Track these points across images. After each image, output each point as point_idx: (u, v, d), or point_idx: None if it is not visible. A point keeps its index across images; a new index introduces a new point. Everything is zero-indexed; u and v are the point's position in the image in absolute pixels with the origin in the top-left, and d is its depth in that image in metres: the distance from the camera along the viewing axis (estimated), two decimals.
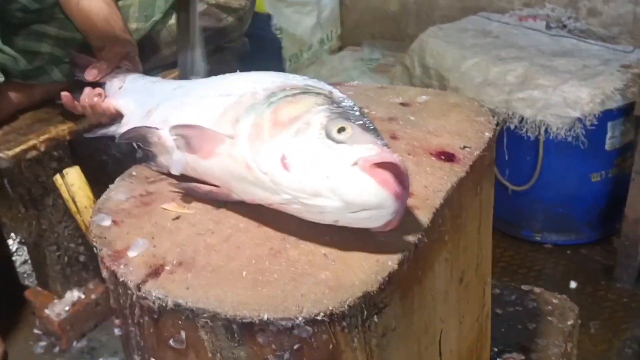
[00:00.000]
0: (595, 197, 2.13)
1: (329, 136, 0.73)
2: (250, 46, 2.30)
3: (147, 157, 0.95)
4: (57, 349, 1.61)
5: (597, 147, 2.02)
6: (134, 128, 0.96)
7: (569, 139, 1.98)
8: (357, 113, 0.77)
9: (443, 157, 0.88)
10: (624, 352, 1.75)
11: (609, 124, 2.01)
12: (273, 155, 0.73)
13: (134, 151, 0.97)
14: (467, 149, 0.90)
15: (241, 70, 0.94)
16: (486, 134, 0.93)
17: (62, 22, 1.45)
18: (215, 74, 0.98)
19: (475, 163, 0.87)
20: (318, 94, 0.80)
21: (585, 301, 1.84)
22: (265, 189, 0.75)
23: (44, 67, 1.45)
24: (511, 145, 2.09)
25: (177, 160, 0.87)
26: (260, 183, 0.75)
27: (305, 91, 0.80)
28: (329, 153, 0.71)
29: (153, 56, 1.28)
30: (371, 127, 0.75)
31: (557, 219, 2.16)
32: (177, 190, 0.88)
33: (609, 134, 2.03)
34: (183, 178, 0.89)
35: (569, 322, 1.24)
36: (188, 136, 0.83)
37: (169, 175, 0.92)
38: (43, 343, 1.65)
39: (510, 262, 2.12)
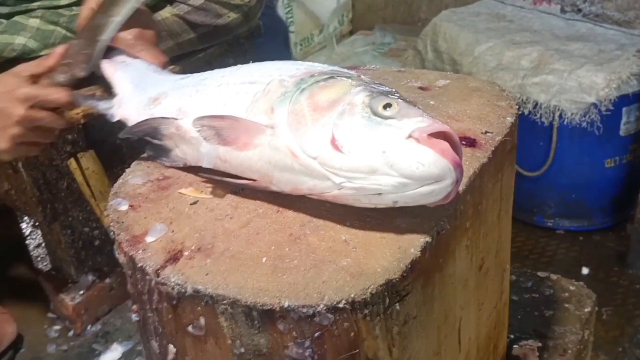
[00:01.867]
0: (609, 183, 2.11)
1: (375, 113, 0.71)
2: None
3: (159, 153, 0.92)
4: (71, 333, 1.62)
5: (611, 132, 2.01)
6: (146, 120, 0.91)
7: (584, 124, 1.96)
8: (393, 91, 0.76)
9: (464, 142, 0.86)
10: (636, 338, 1.74)
11: (624, 109, 1.99)
12: (321, 138, 0.71)
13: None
14: (488, 134, 0.88)
15: (247, 58, 0.92)
16: (508, 118, 0.91)
17: (44, 13, 1.43)
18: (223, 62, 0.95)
19: (497, 148, 0.86)
20: (347, 77, 0.78)
21: (597, 287, 1.81)
22: (314, 176, 0.73)
23: (17, 59, 1.42)
24: (524, 131, 2.05)
25: (207, 152, 0.83)
26: (309, 170, 0.73)
27: (333, 75, 0.78)
28: (381, 129, 0.70)
29: None
30: (413, 102, 0.74)
31: (570, 204, 2.15)
32: (208, 184, 0.85)
33: (623, 120, 2.01)
34: (203, 171, 0.86)
35: (586, 309, 1.23)
36: (220, 127, 0.79)
37: (185, 169, 0.89)
38: (57, 327, 1.65)
39: (522, 248, 2.11)
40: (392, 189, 0.69)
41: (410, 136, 0.69)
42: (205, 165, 0.85)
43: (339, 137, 0.70)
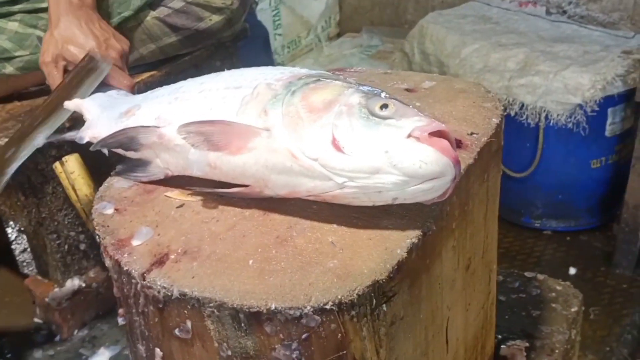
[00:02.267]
0: (595, 184, 2.12)
1: (373, 114, 0.71)
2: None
3: (133, 168, 0.89)
4: (57, 338, 1.60)
5: (597, 133, 2.02)
6: (123, 130, 0.88)
7: (569, 125, 1.98)
8: (385, 92, 0.76)
9: None
10: (624, 337, 1.75)
11: (610, 110, 2.00)
12: (321, 139, 0.71)
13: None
14: (474, 135, 0.89)
15: (233, 61, 0.90)
16: (493, 120, 0.92)
17: (24, 17, 1.42)
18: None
19: (482, 150, 0.86)
20: (335, 79, 0.78)
21: (584, 287, 1.82)
22: (315, 177, 0.72)
23: None
24: (511, 132, 2.07)
25: (196, 160, 0.81)
26: (310, 171, 0.72)
27: (320, 78, 0.78)
28: (381, 129, 0.70)
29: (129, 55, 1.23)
30: (406, 102, 0.75)
31: (557, 205, 2.16)
32: (201, 197, 0.83)
33: (609, 120, 2.02)
34: (189, 182, 0.85)
35: (573, 309, 1.24)
36: (209, 132, 0.77)
37: (167, 180, 0.87)
38: (44, 332, 1.64)
39: (509, 249, 2.12)
40: (393, 187, 0.70)
41: (410, 135, 0.69)
42: (194, 173, 0.83)
43: (340, 138, 0.71)
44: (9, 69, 1.41)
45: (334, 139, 0.71)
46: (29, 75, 1.46)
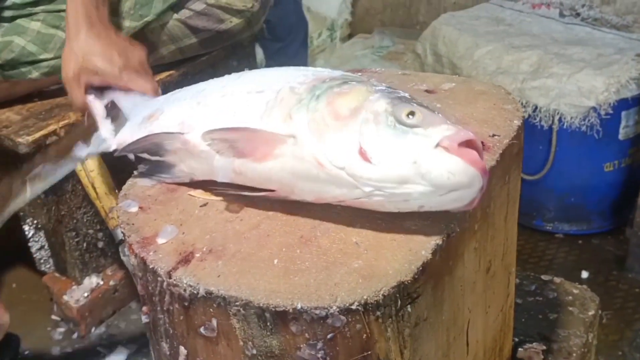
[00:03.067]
0: (608, 187, 2.12)
1: (399, 122, 0.71)
2: (277, 31, 2.20)
3: (157, 170, 0.88)
4: (75, 335, 1.62)
5: (610, 136, 2.01)
6: (147, 137, 0.88)
7: (583, 128, 1.97)
8: (410, 97, 0.76)
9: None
10: (636, 342, 1.75)
11: (623, 113, 1.99)
12: (347, 148, 0.71)
13: None
14: (496, 137, 0.89)
15: (250, 61, 0.89)
16: (515, 122, 0.92)
17: (46, 17, 1.42)
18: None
19: (504, 152, 0.87)
20: (359, 82, 0.78)
21: (596, 291, 1.82)
22: (342, 186, 0.72)
23: (19, 63, 1.41)
24: (524, 134, 2.08)
25: (221, 166, 0.80)
26: (336, 180, 0.72)
27: (346, 81, 0.78)
28: (409, 138, 0.70)
29: (149, 56, 1.23)
30: (432, 108, 0.74)
31: (569, 208, 2.15)
32: (224, 196, 0.83)
33: (622, 124, 2.01)
34: (214, 185, 0.84)
35: (590, 313, 1.24)
36: (234, 139, 0.77)
37: (191, 184, 0.87)
38: (61, 329, 1.65)
39: (521, 252, 2.11)
40: (420, 197, 0.70)
41: (438, 145, 0.69)
42: (219, 179, 0.82)
43: (367, 147, 0.70)
44: (34, 74, 1.42)
45: (360, 148, 0.70)
46: (20, 84, 1.47)
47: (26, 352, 1.61)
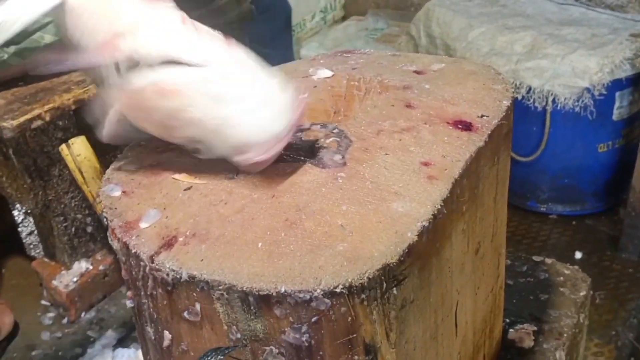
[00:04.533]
0: (602, 168, 2.11)
1: None
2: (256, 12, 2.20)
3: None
4: (65, 320, 1.61)
5: (604, 117, 2.01)
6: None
7: (577, 109, 1.96)
8: None
9: (460, 126, 0.86)
10: (630, 321, 1.75)
11: (617, 93, 1.99)
12: None
13: None
14: (485, 117, 0.88)
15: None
16: (504, 102, 0.91)
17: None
18: None
19: (493, 132, 0.86)
20: None
21: (590, 271, 1.83)
22: None
23: (29, 33, 1.38)
24: (518, 116, 2.04)
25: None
26: None
27: None
28: None
29: None
30: None
31: (563, 189, 2.15)
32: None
33: (616, 104, 2.01)
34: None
35: (581, 293, 1.24)
36: None
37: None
38: (51, 314, 1.64)
39: (515, 233, 2.11)
40: None
41: None
42: None
43: None
44: (47, 38, 1.37)
45: None
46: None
47: (15, 337, 1.61)
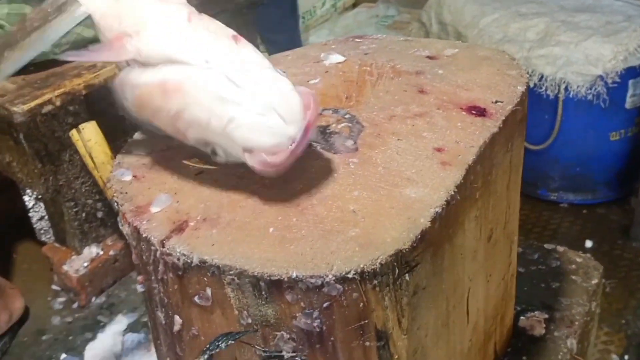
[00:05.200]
0: (614, 157, 2.10)
1: None
2: None
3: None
4: (75, 305, 1.62)
5: (617, 105, 1.99)
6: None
7: (589, 97, 1.94)
8: None
9: (474, 112, 0.85)
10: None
11: (631, 81, 1.96)
12: None
13: None
14: (499, 103, 0.87)
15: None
16: (519, 87, 0.90)
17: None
18: None
19: (507, 118, 0.85)
20: None
21: (601, 260, 1.81)
22: None
23: None
24: (529, 104, 2.04)
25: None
26: None
27: None
28: None
29: None
30: None
31: (574, 178, 2.13)
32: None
33: (630, 92, 1.98)
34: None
35: (593, 281, 1.23)
36: None
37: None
38: (62, 299, 1.65)
39: (525, 221, 2.10)
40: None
41: None
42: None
43: None
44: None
45: None
46: None
47: (26, 322, 1.62)
